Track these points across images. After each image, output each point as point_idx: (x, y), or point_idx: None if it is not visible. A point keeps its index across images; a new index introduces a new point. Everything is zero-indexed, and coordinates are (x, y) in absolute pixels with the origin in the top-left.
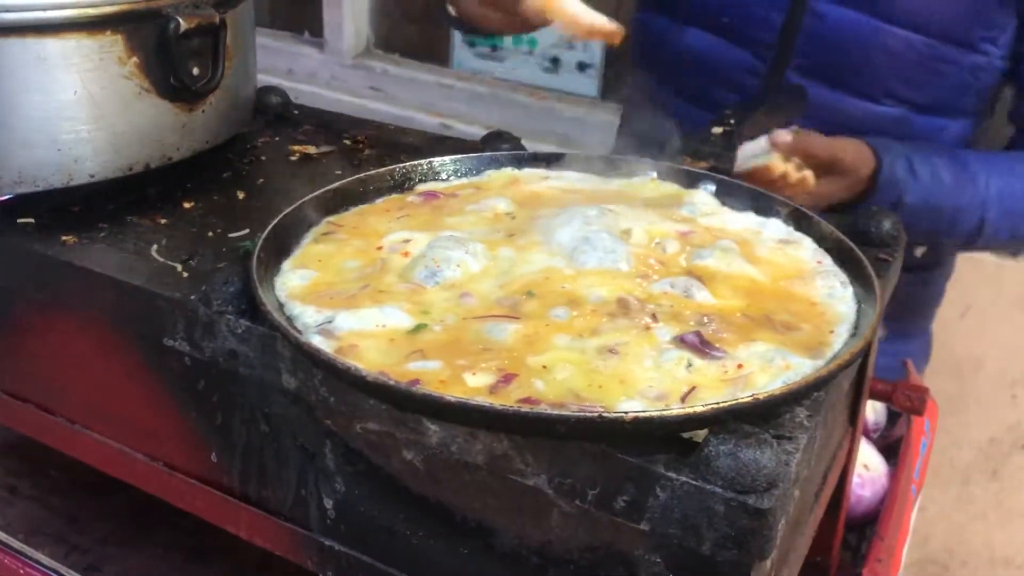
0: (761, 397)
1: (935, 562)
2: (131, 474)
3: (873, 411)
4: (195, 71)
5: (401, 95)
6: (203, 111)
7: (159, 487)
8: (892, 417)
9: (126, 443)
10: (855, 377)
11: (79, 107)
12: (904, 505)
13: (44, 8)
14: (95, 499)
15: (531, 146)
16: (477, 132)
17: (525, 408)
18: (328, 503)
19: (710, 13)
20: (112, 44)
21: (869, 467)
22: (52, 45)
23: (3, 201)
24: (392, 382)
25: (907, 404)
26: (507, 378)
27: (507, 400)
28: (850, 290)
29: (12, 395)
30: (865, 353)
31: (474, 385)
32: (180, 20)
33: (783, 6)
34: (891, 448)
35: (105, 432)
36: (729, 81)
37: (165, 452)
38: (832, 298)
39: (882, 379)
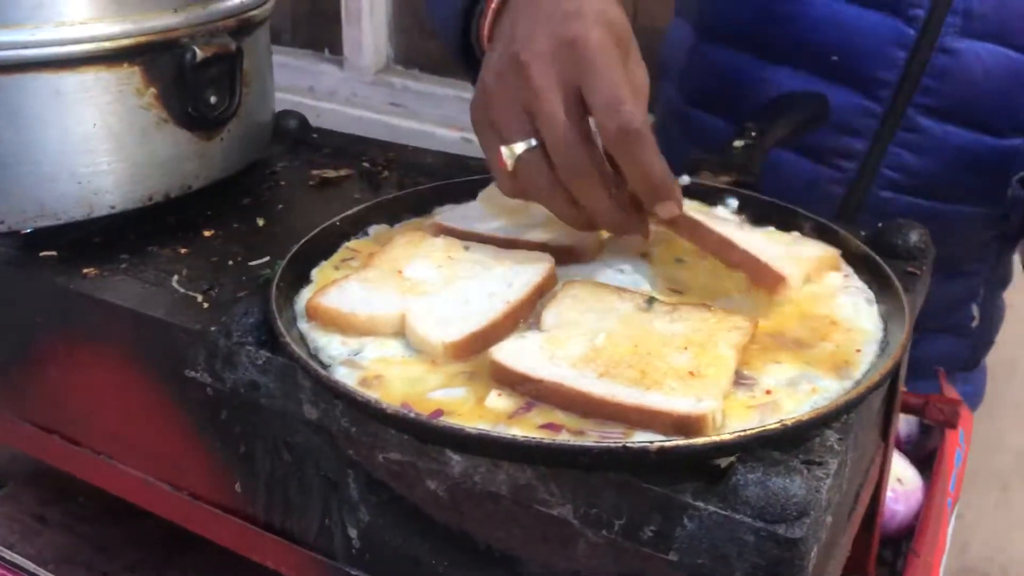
0: (789, 423)
1: (974, 570)
2: (156, 504)
3: (905, 422)
4: (212, 99)
5: (422, 110)
6: (221, 139)
7: (184, 517)
8: (925, 427)
9: (150, 473)
10: (886, 393)
11: (98, 140)
12: (940, 520)
13: (62, 44)
14: (123, 526)
15: None
16: None
17: (547, 440)
18: (352, 532)
19: (812, 50)
20: (130, 76)
21: (903, 481)
22: (70, 80)
23: (24, 234)
24: (412, 414)
25: (940, 417)
26: (529, 405)
27: (528, 425)
28: (876, 306)
29: (39, 426)
30: (895, 371)
31: (493, 407)
32: (197, 50)
33: (908, 42)
34: (925, 460)
35: (130, 462)
36: (836, 124)
37: (189, 482)
38: (858, 314)
39: (913, 392)
